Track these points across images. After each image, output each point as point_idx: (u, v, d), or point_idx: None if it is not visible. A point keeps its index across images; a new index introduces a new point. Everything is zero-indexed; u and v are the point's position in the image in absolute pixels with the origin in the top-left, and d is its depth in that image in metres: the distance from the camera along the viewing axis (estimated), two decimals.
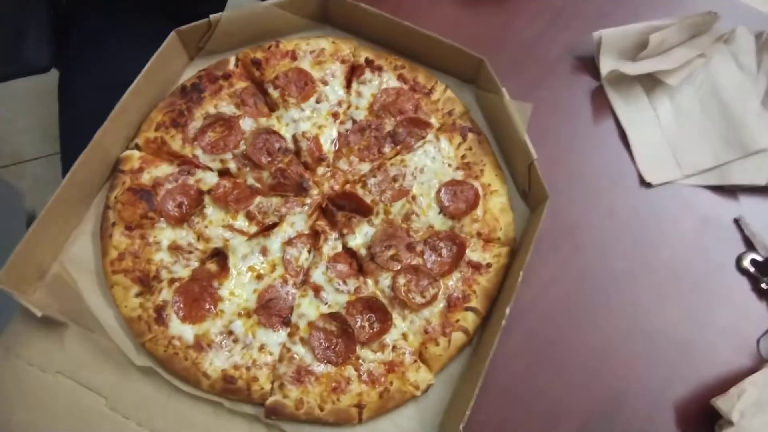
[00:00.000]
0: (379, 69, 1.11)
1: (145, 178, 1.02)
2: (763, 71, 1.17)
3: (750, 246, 1.07)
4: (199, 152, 1.05)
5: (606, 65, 1.16)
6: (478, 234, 1.02)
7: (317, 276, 0.98)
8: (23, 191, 2.09)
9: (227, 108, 1.07)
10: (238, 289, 0.97)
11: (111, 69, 1.40)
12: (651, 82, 1.16)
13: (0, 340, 0.95)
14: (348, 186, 1.05)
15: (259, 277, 0.98)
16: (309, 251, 1.01)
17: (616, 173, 1.13)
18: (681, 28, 1.15)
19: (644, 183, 1.11)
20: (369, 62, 1.12)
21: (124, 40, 1.43)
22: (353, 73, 1.12)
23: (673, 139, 1.14)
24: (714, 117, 1.15)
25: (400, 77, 1.11)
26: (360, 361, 0.93)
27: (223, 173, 1.05)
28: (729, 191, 1.12)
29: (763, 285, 1.04)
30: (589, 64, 1.20)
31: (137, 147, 1.05)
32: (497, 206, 1.04)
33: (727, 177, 1.11)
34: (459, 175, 1.05)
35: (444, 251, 1.00)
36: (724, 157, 1.11)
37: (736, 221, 1.09)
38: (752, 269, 1.05)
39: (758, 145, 1.10)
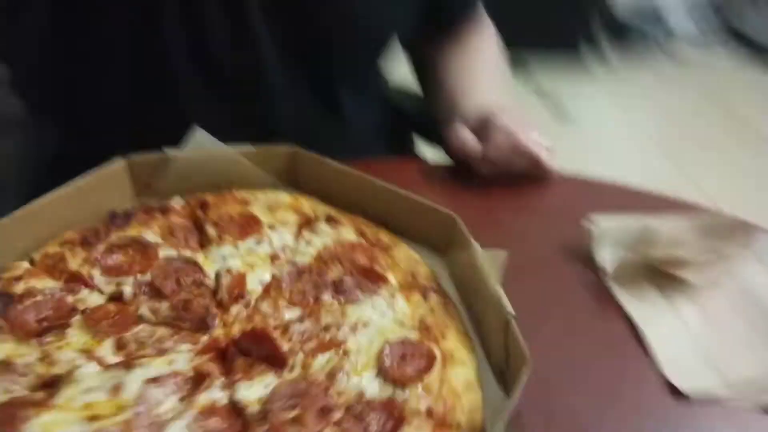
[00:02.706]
0: (337, 221, 0.97)
1: (19, 287, 0.81)
2: None
3: None
4: (96, 272, 0.85)
5: (604, 257, 0.98)
6: (429, 412, 0.69)
7: (174, 431, 0.65)
8: None
9: (151, 237, 0.92)
10: (55, 428, 0.64)
11: None
12: (662, 278, 0.95)
13: None
14: (260, 326, 0.79)
15: (94, 418, 0.66)
16: (181, 399, 0.70)
17: (631, 379, 0.83)
18: (692, 228, 0.99)
19: (675, 392, 0.80)
20: (329, 218, 0.98)
21: None
22: (308, 223, 0.98)
23: (706, 344, 0.87)
24: (757, 325, 0.89)
25: (361, 233, 0.95)
26: None
27: (114, 298, 0.83)
28: None
29: None
30: (583, 255, 1.01)
31: (31, 261, 0.87)
32: (460, 379, 0.74)
33: None
34: (413, 336, 0.79)
35: (372, 426, 0.68)
36: None
37: None
38: None
39: None
